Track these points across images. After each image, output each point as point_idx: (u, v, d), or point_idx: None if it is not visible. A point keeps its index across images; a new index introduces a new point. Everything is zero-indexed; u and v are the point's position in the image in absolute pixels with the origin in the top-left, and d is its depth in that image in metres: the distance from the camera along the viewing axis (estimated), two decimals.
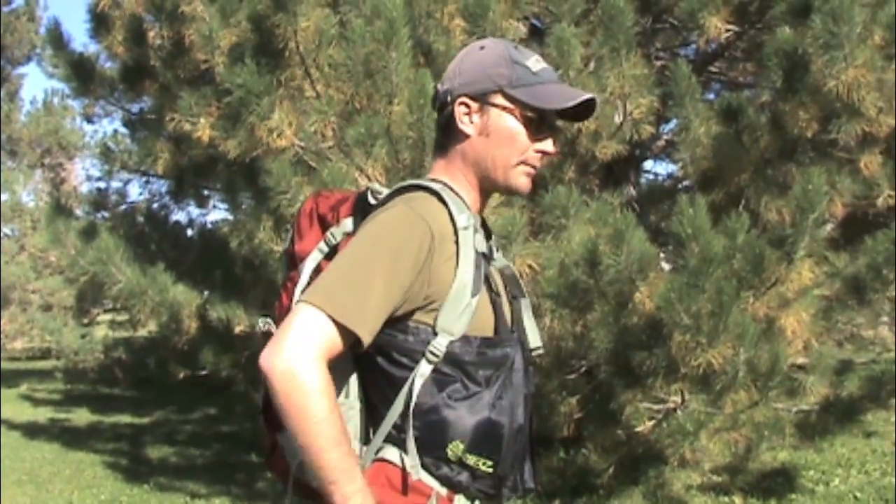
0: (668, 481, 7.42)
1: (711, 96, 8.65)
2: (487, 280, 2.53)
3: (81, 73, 9.98)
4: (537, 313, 2.78)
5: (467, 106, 2.62)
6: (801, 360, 6.93)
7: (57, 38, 10.04)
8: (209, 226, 14.51)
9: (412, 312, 2.45)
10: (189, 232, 14.63)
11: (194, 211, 15.13)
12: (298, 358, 2.29)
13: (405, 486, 2.46)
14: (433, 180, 2.61)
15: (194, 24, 7.20)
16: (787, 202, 6.09)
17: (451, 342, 2.44)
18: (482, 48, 2.66)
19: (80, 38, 35.51)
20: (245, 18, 6.67)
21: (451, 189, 2.59)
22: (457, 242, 2.47)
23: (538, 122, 2.59)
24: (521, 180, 2.62)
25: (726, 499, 8.26)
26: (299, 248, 2.70)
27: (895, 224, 6.35)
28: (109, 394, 17.69)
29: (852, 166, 6.57)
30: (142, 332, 15.85)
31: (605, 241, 5.95)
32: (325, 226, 2.68)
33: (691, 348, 5.75)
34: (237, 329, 8.97)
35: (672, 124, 7.70)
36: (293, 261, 2.72)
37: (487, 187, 2.65)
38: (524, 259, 6.13)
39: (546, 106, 2.58)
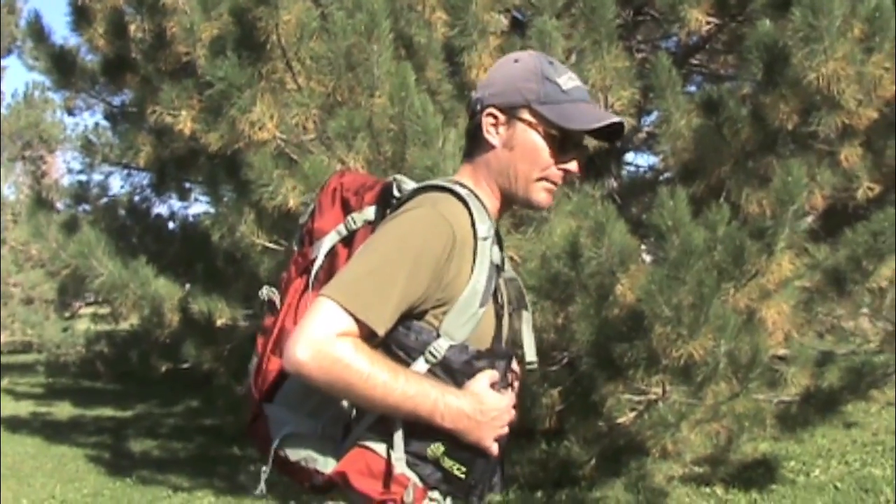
0: (650, 473, 7.44)
1: (692, 89, 8.65)
2: (496, 292, 2.58)
3: (62, 66, 9.96)
4: None
5: (495, 117, 2.65)
6: (781, 352, 6.95)
7: (38, 30, 10.02)
8: (191, 219, 14.46)
9: (423, 312, 2.50)
10: (171, 225, 14.59)
11: (176, 204, 15.07)
12: (321, 339, 2.37)
13: (387, 477, 2.49)
14: (459, 184, 2.62)
15: (175, 16, 7.19)
16: (768, 194, 6.10)
17: (450, 347, 2.48)
18: (516, 61, 2.68)
19: (60, 30, 35.45)
20: (226, 11, 6.65)
21: (476, 195, 2.61)
22: (475, 250, 2.51)
23: (563, 141, 2.61)
24: (541, 196, 2.66)
25: (708, 490, 8.29)
26: (318, 225, 2.74)
27: (875, 216, 6.37)
28: (91, 387, 17.65)
29: (832, 158, 6.59)
30: (124, 326, 15.79)
31: (587, 234, 5.96)
32: (347, 208, 2.71)
33: (672, 340, 5.76)
34: (219, 322, 8.95)
35: (653, 116, 7.72)
36: (309, 237, 2.74)
37: (508, 198, 2.68)
38: (505, 251, 6.14)
39: (569, 126, 2.59)
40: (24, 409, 15.57)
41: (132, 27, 8.59)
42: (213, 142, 6.66)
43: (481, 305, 2.49)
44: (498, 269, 2.61)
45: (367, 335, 2.41)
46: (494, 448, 2.51)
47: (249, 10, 6.27)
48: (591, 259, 5.91)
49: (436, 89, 6.37)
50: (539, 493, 7.97)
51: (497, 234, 2.67)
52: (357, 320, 2.39)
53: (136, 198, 15.35)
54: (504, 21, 6.66)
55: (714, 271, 5.79)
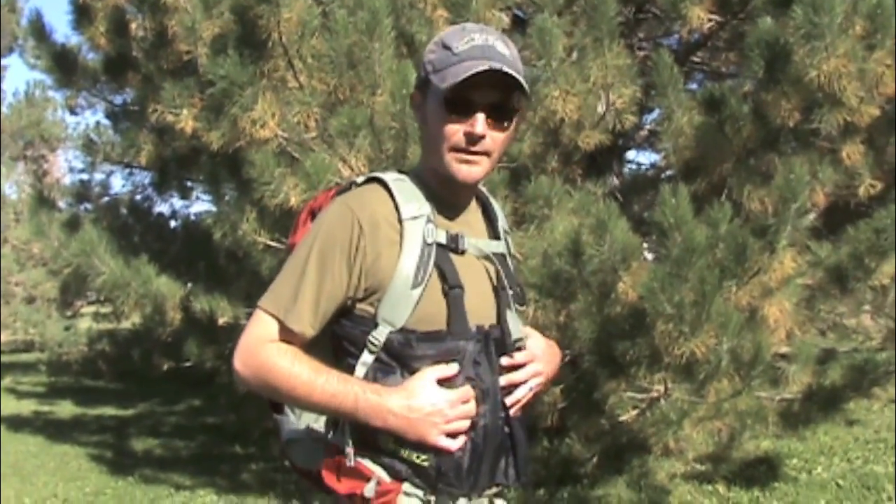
0: (652, 470, 7.45)
1: (694, 86, 8.66)
2: (441, 271, 2.52)
3: (64, 65, 9.96)
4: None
5: (415, 100, 2.65)
6: (783, 349, 6.95)
7: (39, 29, 10.02)
8: (192, 217, 14.46)
9: (360, 301, 2.52)
10: (172, 223, 14.64)
11: (177, 202, 15.10)
12: (250, 346, 2.55)
13: (353, 473, 2.51)
14: (400, 170, 2.65)
15: (177, 15, 7.18)
16: (770, 192, 6.10)
17: (392, 333, 2.48)
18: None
19: (62, 29, 35.39)
20: (228, 9, 6.65)
21: (418, 178, 2.61)
22: (401, 233, 2.49)
23: (459, 105, 2.50)
24: (455, 167, 2.55)
25: (710, 487, 8.30)
26: (291, 241, 2.82)
27: (877, 213, 6.37)
28: (93, 386, 17.65)
29: (834, 156, 6.58)
30: (126, 324, 15.80)
31: (588, 231, 5.95)
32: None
33: (674, 338, 5.76)
34: (221, 320, 8.96)
35: (655, 114, 7.72)
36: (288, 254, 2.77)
37: (440, 175, 2.60)
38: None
39: (442, 86, 2.48)
40: (27, 407, 15.57)
41: (133, 26, 8.60)
42: (214, 140, 6.66)
43: (414, 287, 2.47)
44: (445, 247, 2.55)
45: (299, 337, 2.53)
46: (446, 443, 2.47)
47: (251, 8, 6.26)
48: (593, 257, 5.90)
49: None
50: (541, 491, 7.97)
51: (485, 210, 2.70)
52: (280, 323, 2.53)
53: (138, 196, 15.39)
54: (505, 19, 6.64)
55: (716, 269, 5.78)
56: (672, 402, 6.42)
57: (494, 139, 2.54)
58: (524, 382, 2.64)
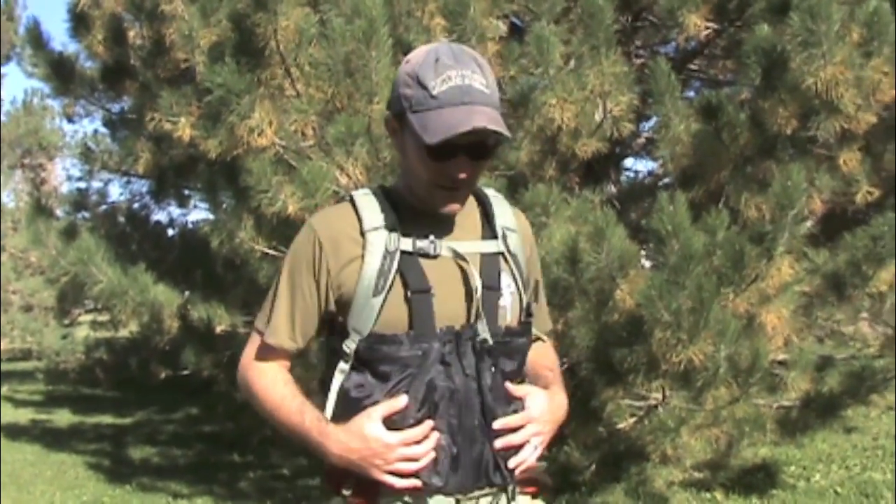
0: (650, 478, 7.45)
1: (691, 94, 8.66)
2: (403, 277, 2.57)
3: (61, 73, 9.96)
4: None
5: (391, 125, 2.67)
6: (781, 357, 6.95)
7: (36, 37, 10.01)
8: (190, 225, 14.46)
9: (336, 314, 2.65)
10: (170, 232, 14.60)
11: (175, 211, 15.02)
12: (241, 366, 2.79)
13: (340, 478, 2.64)
14: (380, 185, 2.76)
15: (174, 23, 7.19)
16: (767, 199, 6.10)
17: (360, 340, 2.57)
18: (407, 61, 2.62)
19: (59, 37, 35.33)
20: (225, 17, 6.66)
21: (396, 189, 2.71)
22: (364, 244, 2.59)
23: (442, 151, 2.51)
24: (437, 201, 2.61)
25: (708, 495, 8.29)
26: None
27: (874, 220, 6.38)
28: (91, 394, 17.62)
29: (831, 163, 6.60)
30: (123, 333, 15.78)
31: (586, 239, 5.96)
32: None
33: (672, 345, 5.76)
34: (218, 329, 8.96)
35: (652, 122, 7.72)
36: None
37: (421, 201, 2.65)
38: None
39: (425, 138, 2.48)
40: (24, 416, 15.54)
41: (131, 34, 8.60)
42: (211, 148, 6.65)
43: (375, 294, 2.55)
44: (414, 253, 2.59)
45: (279, 351, 2.72)
46: (390, 481, 2.53)
47: (248, 16, 6.27)
48: (591, 264, 5.91)
49: None
50: (539, 500, 7.95)
51: (428, 220, 2.64)
52: (261, 338, 2.74)
53: (136, 205, 15.34)
54: (502, 27, 6.65)
55: (714, 276, 5.78)
56: (670, 410, 6.42)
57: (474, 170, 2.58)
58: (523, 444, 2.65)
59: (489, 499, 2.67)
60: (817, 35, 5.73)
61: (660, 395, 6.43)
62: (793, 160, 6.30)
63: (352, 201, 2.66)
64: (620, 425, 6.59)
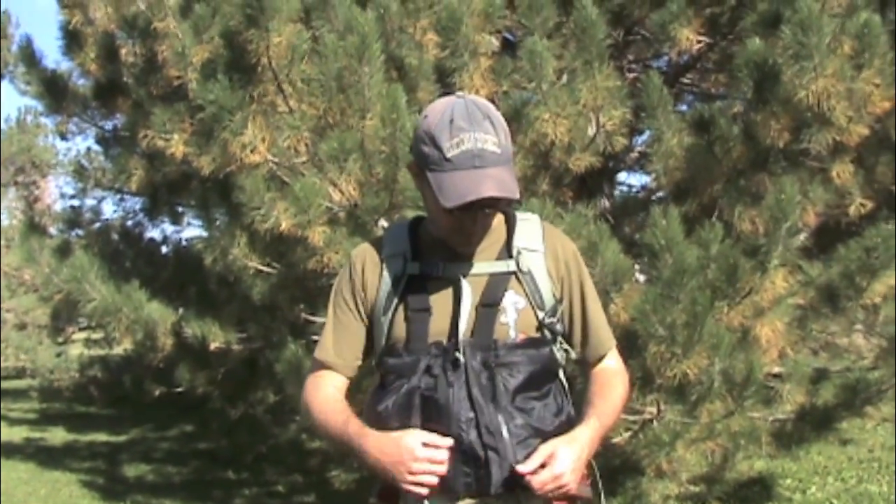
0: (646, 492, 7.42)
1: (684, 107, 8.67)
2: (404, 298, 2.81)
3: (54, 91, 9.95)
4: None
5: (413, 169, 2.85)
6: (776, 369, 6.93)
7: (29, 55, 10.01)
8: (184, 243, 14.42)
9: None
10: (164, 249, 14.55)
11: (169, 228, 15.01)
12: (303, 390, 3.02)
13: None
14: (417, 216, 3.02)
15: (167, 40, 7.18)
16: (761, 212, 6.11)
17: (380, 352, 2.87)
18: (425, 117, 2.77)
19: (52, 55, 35.41)
20: (217, 34, 6.65)
21: (422, 221, 2.95)
22: (381, 270, 2.88)
23: (458, 210, 2.68)
24: (455, 244, 2.82)
25: None
26: None
27: (867, 232, 6.37)
28: (85, 412, 17.58)
29: (824, 175, 6.59)
30: (117, 350, 15.75)
31: (580, 253, 5.94)
32: None
33: (666, 359, 5.76)
34: (212, 346, 8.93)
35: (645, 136, 7.70)
36: None
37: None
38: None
39: (440, 200, 2.66)
40: (18, 434, 15.50)
41: (123, 51, 8.58)
42: (205, 165, 6.65)
43: (384, 314, 2.84)
44: (418, 278, 2.82)
45: (328, 365, 2.98)
46: (413, 489, 2.69)
47: (240, 32, 6.26)
48: None
49: None
50: None
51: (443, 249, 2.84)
52: (314, 358, 3.02)
53: (129, 222, 15.33)
54: (495, 42, 6.65)
55: (707, 290, 5.79)
56: (665, 424, 6.41)
57: (488, 219, 2.81)
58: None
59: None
60: (809, 48, 5.73)
61: (655, 409, 6.42)
62: (786, 173, 6.31)
63: (384, 235, 3.00)
64: (615, 440, 6.57)
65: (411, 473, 2.65)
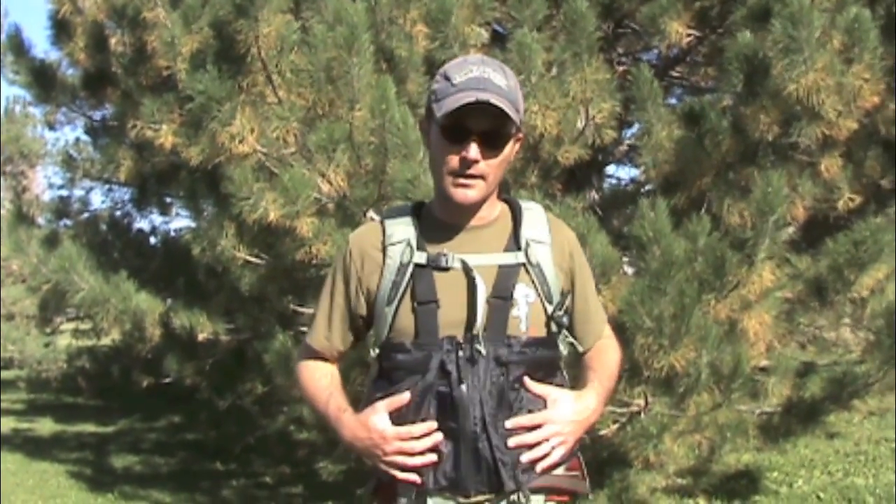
0: (633, 484, 7.44)
1: (673, 101, 8.68)
2: (413, 289, 2.74)
3: (43, 80, 9.92)
4: None
5: (422, 125, 2.88)
6: (763, 363, 6.95)
7: (17, 44, 9.96)
8: (172, 233, 14.43)
9: (369, 322, 2.90)
10: (152, 240, 14.54)
11: (157, 219, 15.03)
12: (295, 367, 3.09)
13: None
14: (419, 201, 2.99)
15: (156, 30, 7.16)
16: (749, 205, 6.11)
17: (379, 345, 2.79)
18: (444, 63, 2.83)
19: (41, 44, 35.31)
20: (207, 24, 6.65)
21: (427, 205, 2.90)
22: (383, 257, 2.80)
23: (455, 132, 2.68)
24: (451, 190, 2.74)
25: (691, 501, 8.31)
26: None
27: (856, 226, 6.39)
28: (73, 403, 17.56)
29: (813, 169, 6.60)
30: (105, 341, 15.75)
31: None
32: None
33: (654, 351, 5.77)
34: (201, 336, 8.92)
35: (634, 129, 7.72)
36: None
37: (442, 198, 2.82)
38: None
39: (438, 116, 2.68)
40: (6, 425, 15.45)
41: (113, 41, 8.55)
42: (193, 156, 6.64)
43: (388, 304, 2.76)
44: (427, 266, 2.75)
45: (318, 350, 3.00)
46: (392, 472, 2.72)
47: (230, 23, 6.26)
48: None
49: (416, 102, 6.35)
50: None
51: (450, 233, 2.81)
52: (305, 341, 3.06)
53: (118, 212, 15.33)
54: (485, 34, 6.64)
55: (695, 282, 5.80)
56: (652, 416, 6.41)
57: (489, 163, 2.71)
58: (538, 443, 2.73)
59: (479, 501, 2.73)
60: (798, 42, 5.74)
61: (642, 402, 6.42)
62: (774, 167, 6.31)
63: (383, 218, 2.91)
64: (603, 432, 6.58)
65: (385, 455, 2.70)
